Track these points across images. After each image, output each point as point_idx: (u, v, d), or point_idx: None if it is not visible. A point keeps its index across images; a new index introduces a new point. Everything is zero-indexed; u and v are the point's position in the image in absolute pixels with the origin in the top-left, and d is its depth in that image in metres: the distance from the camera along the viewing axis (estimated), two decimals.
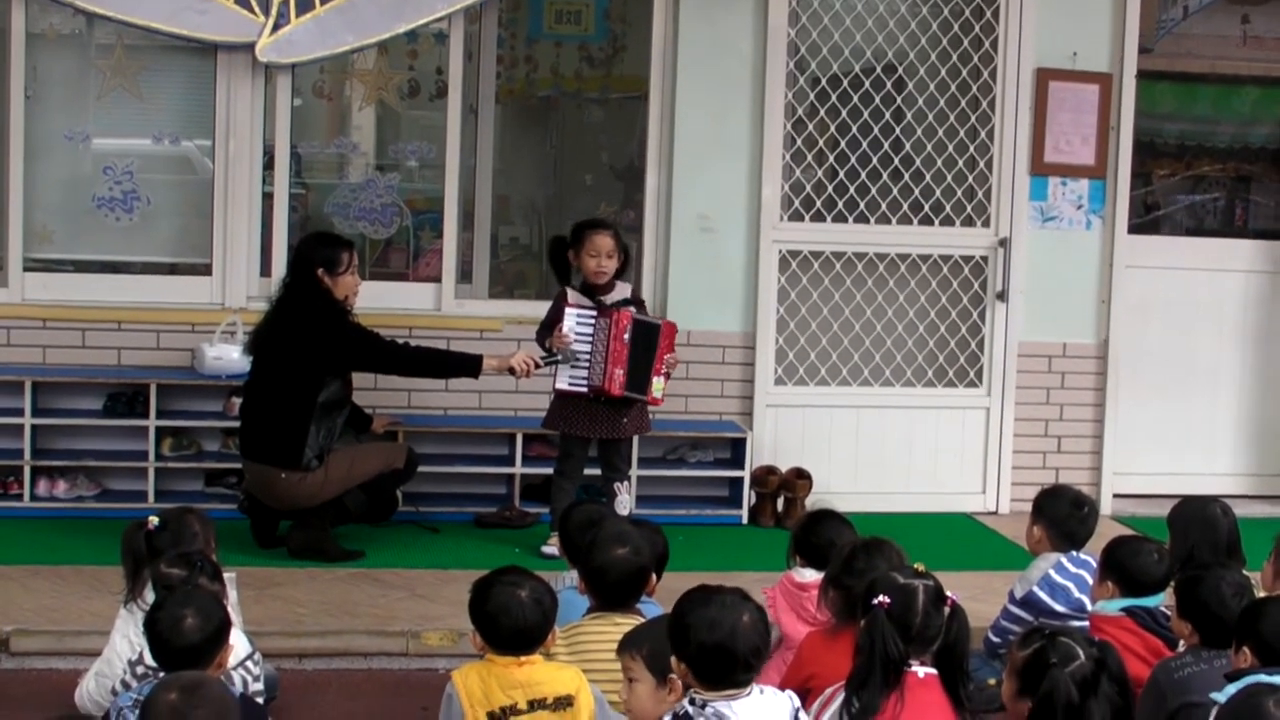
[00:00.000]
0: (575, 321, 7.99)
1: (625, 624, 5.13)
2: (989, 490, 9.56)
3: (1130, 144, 9.56)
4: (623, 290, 8.14)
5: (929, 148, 9.42)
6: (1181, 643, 5.39)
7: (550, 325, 8.08)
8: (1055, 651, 4.47)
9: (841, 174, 9.34)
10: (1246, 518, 6.82)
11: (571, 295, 8.06)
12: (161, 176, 9.35)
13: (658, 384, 8.04)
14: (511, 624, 4.78)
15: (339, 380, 7.86)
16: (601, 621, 5.30)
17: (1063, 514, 6.46)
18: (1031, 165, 9.43)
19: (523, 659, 4.82)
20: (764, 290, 9.23)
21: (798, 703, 4.58)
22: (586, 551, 5.50)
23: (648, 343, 7.97)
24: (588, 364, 7.97)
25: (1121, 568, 5.81)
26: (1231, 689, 4.59)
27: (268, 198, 9.04)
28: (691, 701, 4.38)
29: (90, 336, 8.76)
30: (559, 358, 7.99)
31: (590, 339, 7.97)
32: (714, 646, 4.37)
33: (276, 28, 8.70)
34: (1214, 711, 4.50)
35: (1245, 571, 5.95)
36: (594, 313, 7.99)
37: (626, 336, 7.91)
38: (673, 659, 4.45)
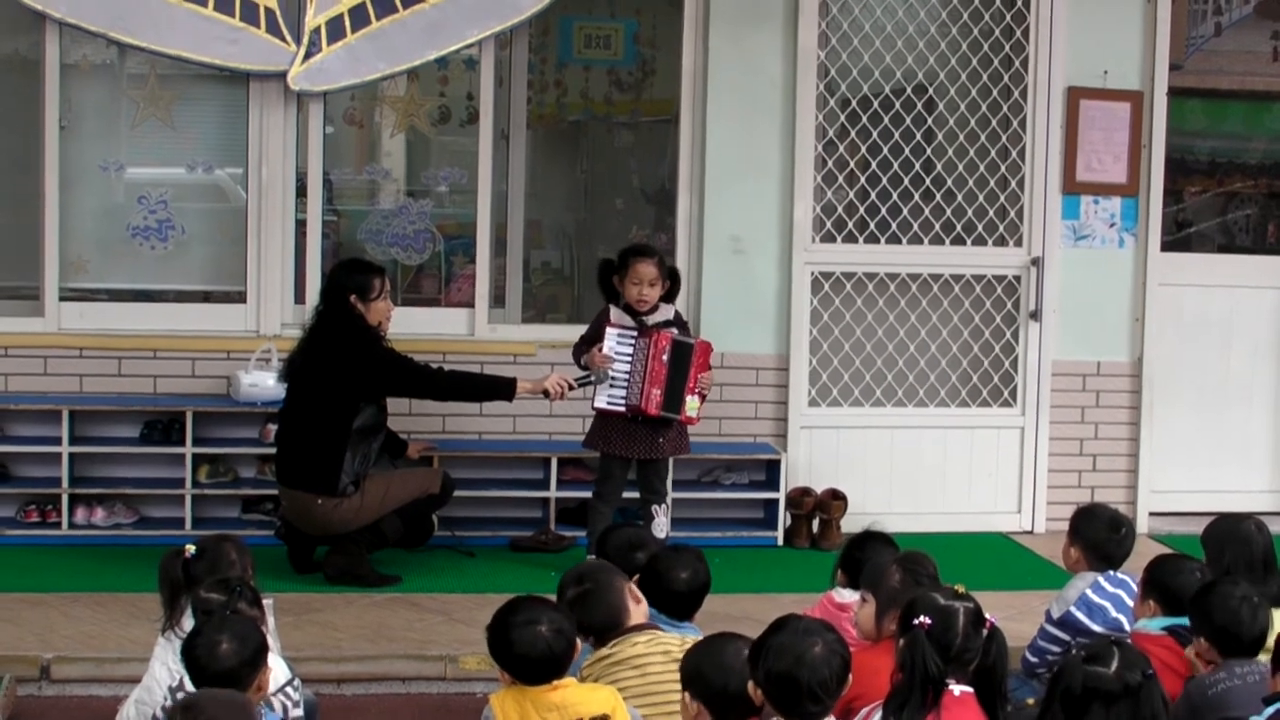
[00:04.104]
0: (616, 341, 8.00)
1: (658, 643, 5.19)
2: (1024, 510, 9.54)
3: (1162, 161, 9.55)
4: (666, 313, 8.14)
5: (960, 168, 9.42)
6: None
7: (590, 341, 8.10)
8: (1094, 649, 4.47)
9: (873, 195, 9.35)
10: None
11: (614, 314, 8.07)
12: (195, 205, 9.41)
13: (691, 403, 8.02)
14: (540, 659, 4.78)
15: (374, 406, 7.88)
16: (635, 644, 5.30)
17: (1100, 536, 6.43)
18: (1063, 184, 9.43)
19: (555, 684, 4.83)
20: (797, 312, 9.23)
21: None
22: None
23: (681, 361, 7.98)
24: (626, 383, 7.98)
25: (1163, 586, 5.79)
26: (1270, 711, 4.58)
27: (300, 225, 9.09)
28: None
29: (126, 365, 8.80)
30: (593, 378, 8.00)
31: (630, 359, 7.98)
32: (780, 674, 4.37)
33: (308, 56, 8.74)
34: None
35: None
36: (635, 333, 8.00)
37: (665, 357, 7.92)
38: (749, 683, 4.47)
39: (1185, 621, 5.68)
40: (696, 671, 4.58)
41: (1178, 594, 5.73)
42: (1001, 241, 9.48)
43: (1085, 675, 4.39)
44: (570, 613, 5.04)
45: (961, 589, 4.81)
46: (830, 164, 9.33)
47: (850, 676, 4.47)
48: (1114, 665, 4.40)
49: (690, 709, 4.59)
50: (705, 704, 4.54)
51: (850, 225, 9.37)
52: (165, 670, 5.48)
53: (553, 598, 5.23)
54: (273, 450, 8.18)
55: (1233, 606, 5.24)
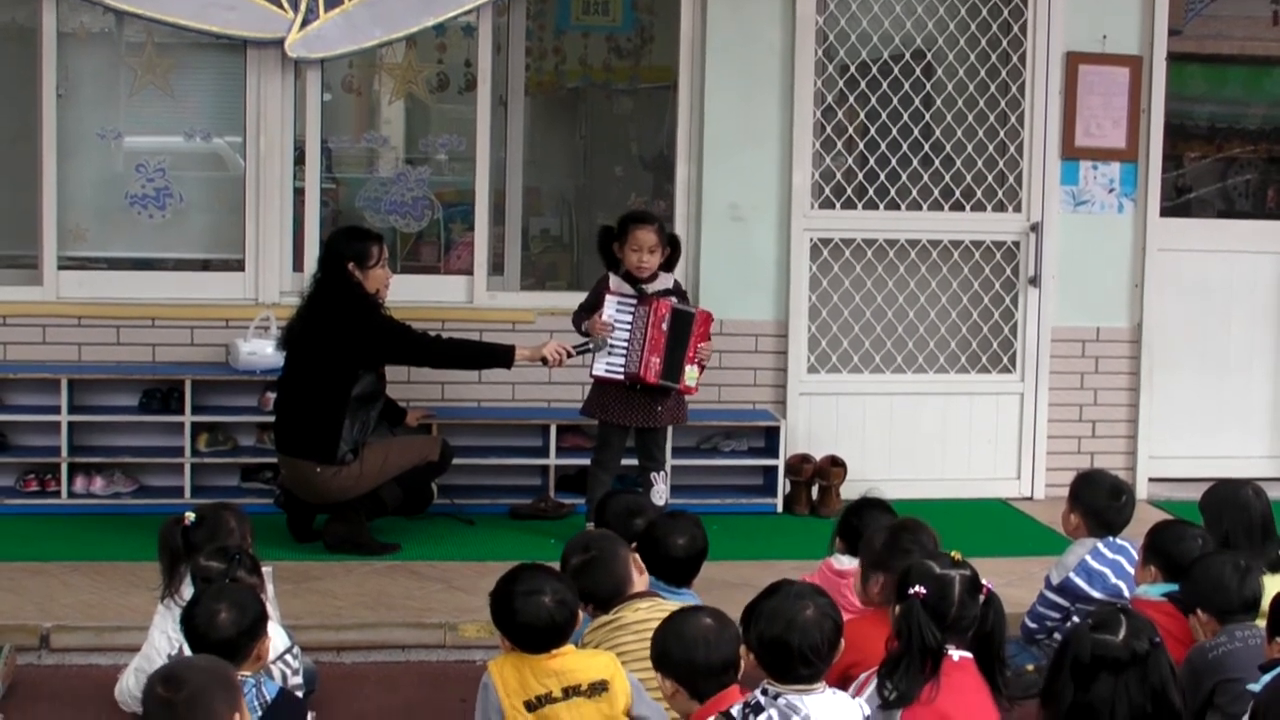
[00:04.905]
0: (615, 309, 8.00)
1: (659, 609, 5.20)
2: (1024, 476, 9.54)
3: (1161, 127, 9.53)
4: (665, 281, 8.13)
5: (959, 133, 9.40)
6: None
7: (589, 309, 8.10)
8: (1101, 617, 4.48)
9: (872, 161, 9.33)
10: None
11: (614, 282, 8.06)
12: (193, 173, 9.39)
13: (690, 372, 8.03)
14: (543, 628, 4.83)
15: (372, 374, 7.87)
16: (637, 610, 5.31)
17: (1101, 503, 6.45)
18: (1062, 149, 9.41)
19: (554, 651, 4.85)
20: (796, 278, 9.22)
21: (868, 710, 4.57)
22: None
23: (681, 330, 7.98)
24: (625, 351, 7.98)
25: (1165, 553, 5.81)
26: (1267, 678, 4.59)
27: (299, 193, 9.08)
28: (764, 692, 4.40)
29: (125, 333, 8.80)
30: (591, 345, 8.00)
31: (629, 326, 7.97)
32: (772, 638, 4.39)
33: (305, 23, 8.72)
34: (1250, 704, 4.50)
35: None
36: (634, 300, 8.00)
37: (665, 325, 7.92)
38: (742, 648, 4.48)
39: None
40: (662, 650, 4.59)
41: (1179, 560, 5.74)
42: (1000, 207, 9.47)
43: (1093, 644, 4.40)
44: (573, 582, 5.05)
45: (957, 556, 4.81)
46: (829, 130, 9.31)
47: (842, 641, 4.48)
48: (1122, 633, 4.42)
49: (666, 689, 4.61)
50: (677, 680, 4.55)
51: (849, 191, 9.36)
52: (165, 639, 5.51)
53: (554, 565, 5.24)
54: (272, 418, 8.18)
55: (1216, 572, 5.28)
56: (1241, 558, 5.41)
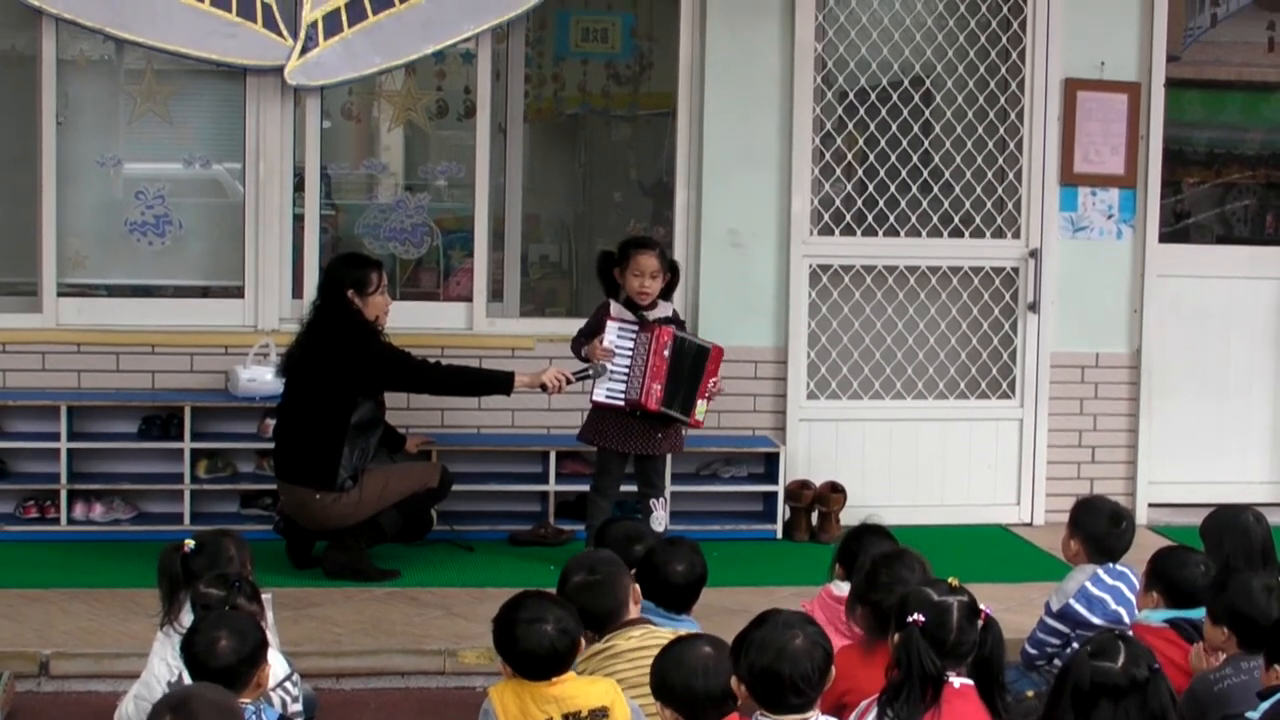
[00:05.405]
0: (616, 335, 8.00)
1: (652, 636, 5.19)
2: (1023, 502, 9.53)
3: (1160, 152, 9.54)
4: (664, 309, 8.14)
5: (958, 160, 9.41)
6: (1220, 654, 5.36)
7: (589, 334, 8.10)
8: (1100, 644, 4.47)
9: (871, 187, 9.34)
10: None
11: (614, 308, 8.07)
12: (193, 200, 9.42)
13: (701, 406, 8.04)
14: (545, 656, 4.81)
15: (372, 400, 7.88)
16: (630, 638, 5.30)
17: (1101, 529, 6.42)
18: (1061, 175, 9.42)
19: (555, 679, 4.85)
20: (795, 304, 9.23)
21: None
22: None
23: (696, 365, 7.98)
24: (626, 378, 7.98)
25: (1168, 579, 5.80)
26: (1265, 706, 4.58)
27: (298, 220, 9.08)
28: None
29: (124, 360, 8.80)
30: (591, 372, 8.00)
31: (630, 353, 7.97)
32: (762, 668, 4.37)
33: (305, 51, 8.74)
34: None
35: None
36: (635, 327, 7.99)
37: (666, 352, 7.91)
38: (733, 679, 4.46)
39: (1187, 614, 5.69)
40: (661, 679, 4.56)
41: (1182, 587, 5.74)
42: (999, 233, 9.48)
43: (1093, 671, 4.39)
44: (573, 607, 5.04)
45: (955, 582, 4.80)
46: (828, 156, 9.32)
47: (833, 669, 4.47)
48: (1121, 660, 4.40)
49: (666, 718, 4.58)
50: (676, 709, 4.52)
51: (848, 218, 9.37)
52: (164, 666, 5.49)
53: (553, 591, 5.23)
54: (271, 445, 8.18)
55: (1253, 593, 5.24)
56: (1271, 581, 5.38)
